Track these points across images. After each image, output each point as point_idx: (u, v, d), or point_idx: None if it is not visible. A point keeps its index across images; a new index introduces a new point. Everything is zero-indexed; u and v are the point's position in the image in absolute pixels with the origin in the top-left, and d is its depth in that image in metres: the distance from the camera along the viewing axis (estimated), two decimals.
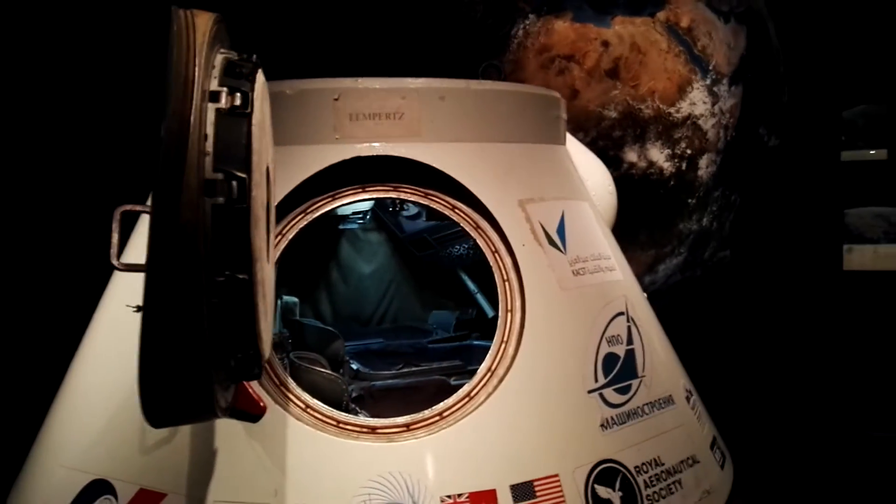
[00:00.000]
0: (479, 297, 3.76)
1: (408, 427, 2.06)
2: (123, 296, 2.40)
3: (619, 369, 2.31)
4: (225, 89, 1.26)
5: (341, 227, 3.99)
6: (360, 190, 2.32)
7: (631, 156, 4.78)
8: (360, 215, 3.82)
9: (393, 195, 2.35)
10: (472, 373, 3.07)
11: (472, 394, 2.12)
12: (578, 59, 4.87)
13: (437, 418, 2.08)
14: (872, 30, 4.44)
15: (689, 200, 4.84)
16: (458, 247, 3.70)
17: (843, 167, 4.53)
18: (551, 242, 2.37)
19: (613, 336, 2.35)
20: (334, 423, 2.04)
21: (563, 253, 2.38)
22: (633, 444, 2.20)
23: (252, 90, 1.31)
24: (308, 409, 2.05)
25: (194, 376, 1.24)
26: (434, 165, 2.27)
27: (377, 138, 2.25)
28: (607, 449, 2.14)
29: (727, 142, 4.76)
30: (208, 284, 1.17)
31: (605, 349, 2.30)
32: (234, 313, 1.24)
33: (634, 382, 2.33)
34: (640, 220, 4.77)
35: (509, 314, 2.23)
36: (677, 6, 4.78)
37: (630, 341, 2.40)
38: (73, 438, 2.24)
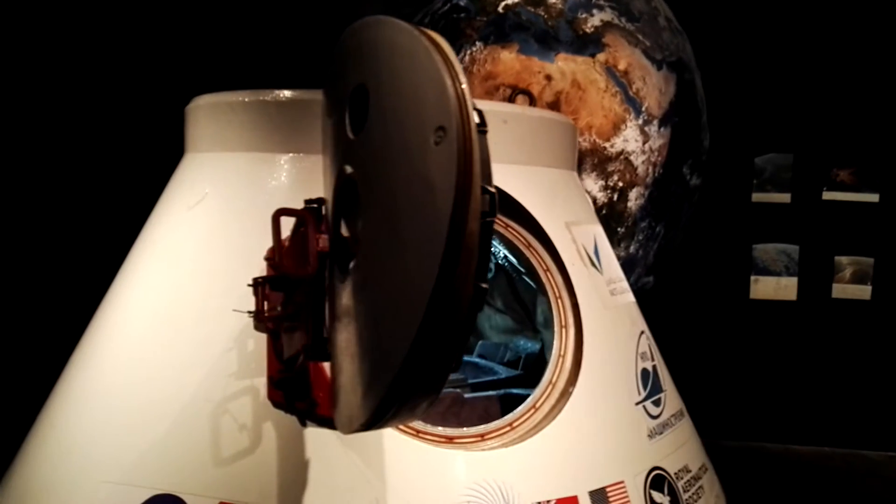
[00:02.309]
0: None
1: (482, 437, 2.13)
2: (160, 298, 2.28)
3: (652, 383, 2.51)
4: None
5: None
6: None
7: None
8: None
9: None
10: (475, 386, 3.21)
11: (537, 405, 2.23)
12: (522, 89, 5.13)
13: (508, 428, 2.17)
14: (783, 89, 5.10)
15: (619, 229, 5.23)
16: None
17: (753, 207, 5.13)
18: (592, 263, 2.54)
19: (643, 353, 2.56)
20: (413, 432, 2.06)
21: (601, 274, 2.56)
22: (670, 453, 2.41)
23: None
24: None
25: (436, 385, 1.26)
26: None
27: None
28: (655, 457, 2.32)
29: (655, 178, 5.22)
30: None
31: (640, 364, 2.50)
32: (468, 324, 1.28)
33: (662, 396, 2.54)
34: None
35: (564, 330, 2.37)
36: (616, 50, 5.18)
37: (653, 357, 2.62)
38: (111, 452, 2.08)
